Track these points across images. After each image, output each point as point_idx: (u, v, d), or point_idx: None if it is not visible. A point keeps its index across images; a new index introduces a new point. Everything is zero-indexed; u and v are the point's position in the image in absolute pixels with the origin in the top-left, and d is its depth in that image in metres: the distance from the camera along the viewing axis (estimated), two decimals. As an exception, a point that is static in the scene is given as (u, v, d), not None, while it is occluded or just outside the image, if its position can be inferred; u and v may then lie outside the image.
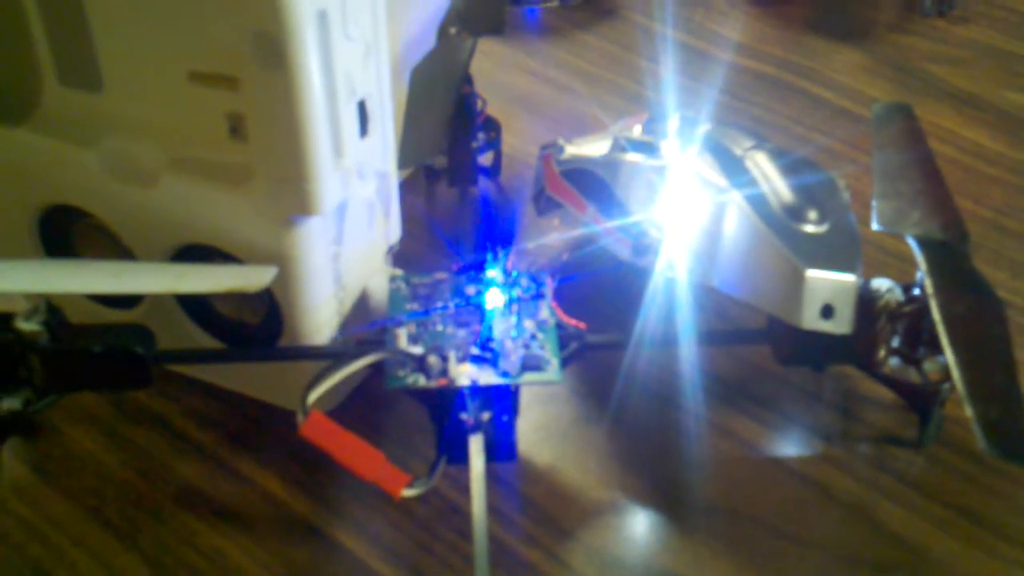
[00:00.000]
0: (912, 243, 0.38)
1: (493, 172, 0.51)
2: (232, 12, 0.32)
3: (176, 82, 0.36)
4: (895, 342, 0.39)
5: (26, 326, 0.36)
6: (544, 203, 0.46)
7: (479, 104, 0.49)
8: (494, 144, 0.50)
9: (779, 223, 0.37)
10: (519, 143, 0.54)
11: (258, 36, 0.32)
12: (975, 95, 0.60)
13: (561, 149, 0.45)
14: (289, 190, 0.35)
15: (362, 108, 0.37)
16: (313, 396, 0.35)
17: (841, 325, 0.36)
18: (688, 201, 0.38)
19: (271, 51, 0.32)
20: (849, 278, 0.36)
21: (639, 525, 0.38)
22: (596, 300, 0.41)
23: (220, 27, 0.33)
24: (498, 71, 0.61)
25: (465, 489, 0.38)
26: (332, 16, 0.33)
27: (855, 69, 0.62)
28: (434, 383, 0.36)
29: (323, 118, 0.35)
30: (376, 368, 0.37)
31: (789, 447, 0.41)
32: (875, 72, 0.62)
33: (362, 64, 0.36)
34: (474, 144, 0.48)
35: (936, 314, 0.35)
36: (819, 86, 0.61)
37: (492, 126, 0.50)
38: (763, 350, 0.40)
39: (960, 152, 0.55)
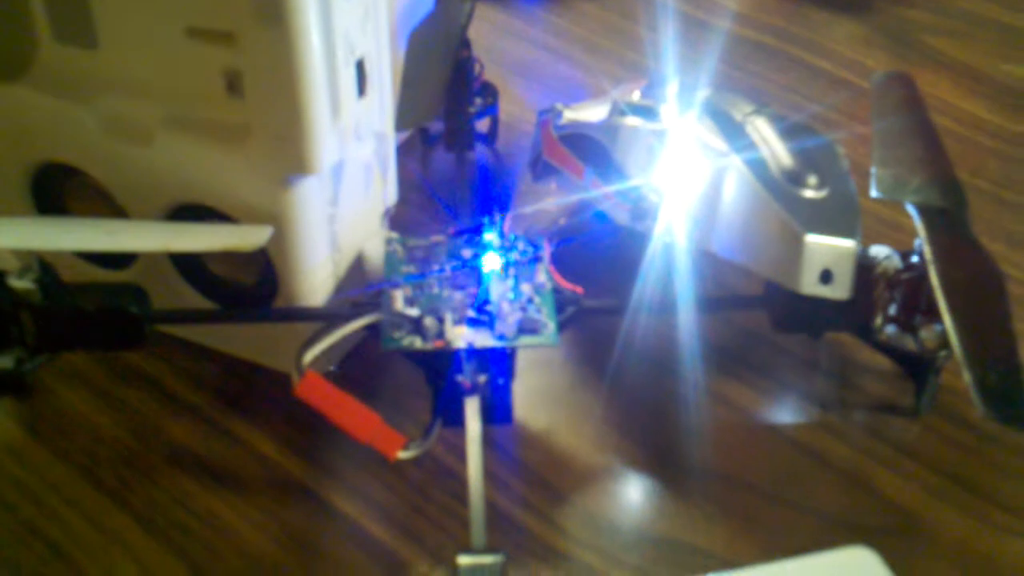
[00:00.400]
0: (911, 210, 0.38)
1: (490, 138, 0.51)
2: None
3: (173, 38, 0.35)
4: (892, 309, 0.38)
5: (18, 284, 0.36)
6: (541, 168, 0.46)
7: (477, 68, 0.48)
8: (491, 110, 0.50)
9: (779, 188, 0.36)
10: (516, 109, 0.54)
11: (257, -8, 0.32)
12: (973, 67, 0.60)
13: (559, 114, 0.45)
14: (286, 148, 0.35)
15: (360, 68, 0.36)
16: (308, 356, 0.35)
17: (840, 291, 0.36)
18: (687, 165, 0.38)
19: (270, 7, 0.32)
20: (849, 243, 0.36)
21: (634, 490, 0.38)
22: (594, 265, 0.41)
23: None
24: (496, 38, 0.61)
25: (459, 452, 0.38)
26: (331, -27, 0.33)
27: (853, 40, 0.62)
28: (430, 345, 0.36)
29: (321, 76, 0.34)
30: (372, 330, 0.37)
31: (785, 414, 0.41)
32: (873, 43, 0.62)
33: (361, 24, 0.36)
34: (471, 108, 0.48)
35: (935, 280, 0.35)
36: (818, 56, 0.60)
37: (489, 91, 0.50)
38: (759, 317, 0.40)
39: (957, 124, 0.55)
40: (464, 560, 0.32)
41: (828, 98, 0.57)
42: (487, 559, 0.32)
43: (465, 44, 0.47)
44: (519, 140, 0.52)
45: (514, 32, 0.62)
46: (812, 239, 0.35)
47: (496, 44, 0.60)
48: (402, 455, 0.35)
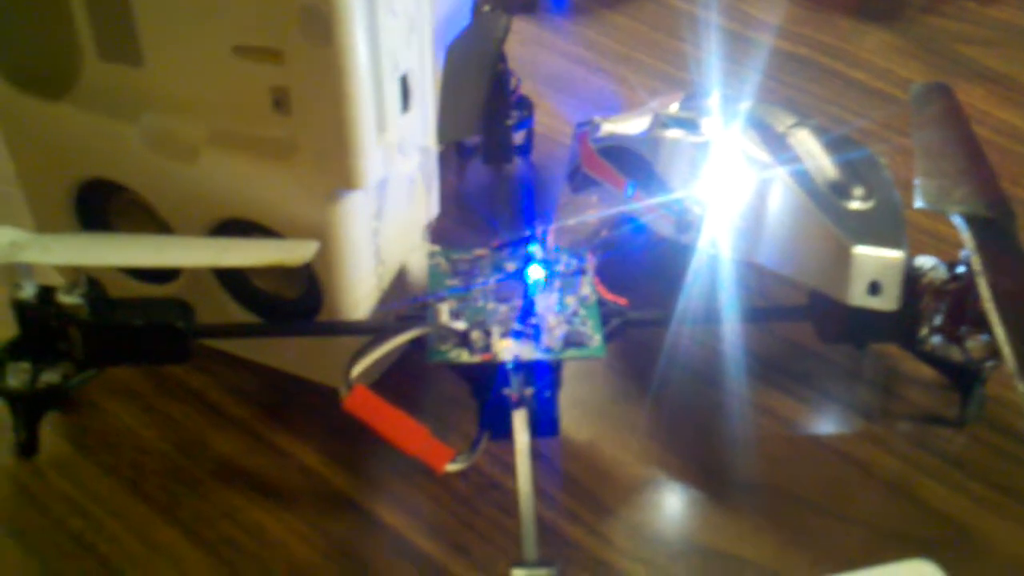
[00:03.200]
0: (958, 221, 0.37)
1: (525, 150, 0.51)
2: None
3: (220, 56, 0.36)
4: (937, 320, 0.38)
5: (67, 299, 0.36)
6: (580, 181, 0.46)
7: (513, 82, 0.48)
8: (527, 122, 0.50)
9: (825, 199, 0.36)
10: (550, 122, 0.54)
11: (306, 11, 0.32)
12: (1007, 76, 0.59)
13: (597, 127, 0.45)
14: (332, 164, 0.35)
15: (404, 83, 0.37)
16: (357, 369, 0.35)
17: (888, 302, 0.36)
18: (732, 177, 0.38)
19: (319, 26, 0.32)
20: (896, 254, 0.35)
21: (680, 502, 0.38)
22: (637, 277, 0.41)
23: (266, 1, 0.33)
24: (527, 50, 0.61)
25: (503, 464, 0.38)
26: (379, -10, 0.33)
27: (887, 50, 0.62)
28: (477, 358, 0.36)
29: (368, 92, 0.34)
30: (416, 343, 0.37)
31: (830, 425, 0.41)
32: (906, 53, 0.62)
33: (405, 40, 0.36)
34: (508, 122, 0.48)
35: (984, 291, 0.35)
36: (851, 67, 0.60)
37: (525, 104, 0.50)
38: (801, 328, 0.40)
39: (995, 133, 0.55)
40: (518, 573, 0.32)
41: (863, 108, 0.57)
42: (541, 572, 0.32)
43: (501, 58, 0.47)
44: (554, 151, 0.52)
45: (546, 44, 0.62)
46: (860, 250, 0.35)
47: (528, 56, 0.60)
48: (450, 468, 0.35)
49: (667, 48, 0.62)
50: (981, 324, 0.39)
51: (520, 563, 0.32)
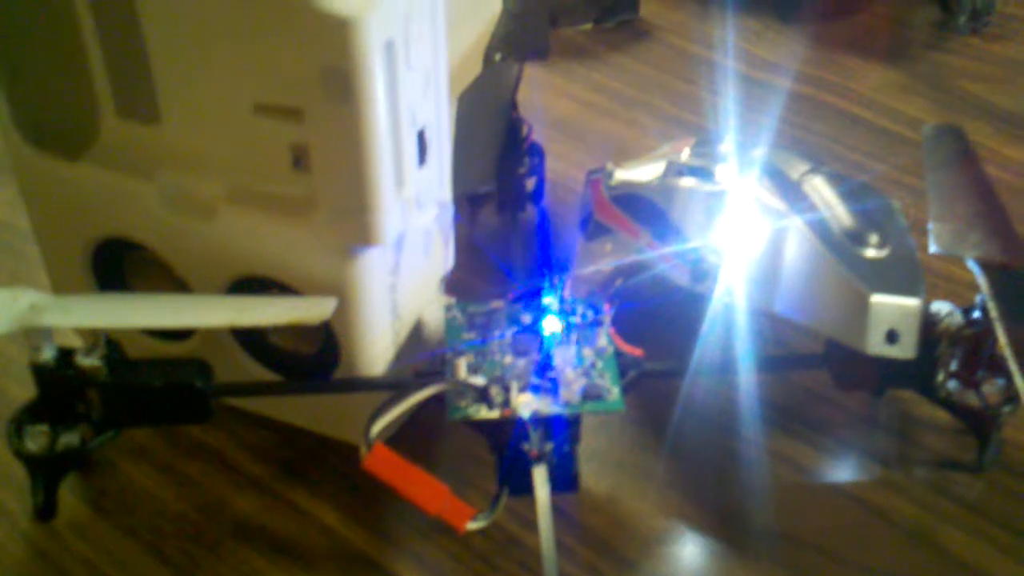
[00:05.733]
0: (973, 266, 0.38)
1: (537, 197, 0.51)
2: (300, 46, 0.32)
3: (239, 114, 0.36)
4: (953, 365, 0.38)
5: (87, 362, 0.36)
6: (593, 229, 0.46)
7: (524, 129, 0.48)
8: (538, 170, 0.50)
9: (841, 248, 0.37)
10: (560, 167, 0.54)
11: (326, 70, 0.32)
12: (1014, 113, 0.59)
13: (610, 174, 0.45)
14: (351, 221, 0.35)
15: (421, 137, 0.37)
16: (377, 428, 0.35)
17: (906, 350, 0.36)
18: (748, 226, 0.38)
19: (339, 85, 0.32)
20: (914, 302, 0.36)
21: (700, 553, 0.38)
22: (653, 327, 0.40)
23: (287, 61, 0.33)
24: (534, 94, 0.61)
25: (522, 519, 0.38)
26: (397, 47, 0.33)
27: (891, 87, 0.62)
28: (497, 413, 0.36)
29: (387, 149, 0.34)
30: (434, 399, 0.37)
31: (847, 472, 0.41)
32: (911, 90, 0.62)
33: (422, 93, 0.36)
34: (521, 170, 0.48)
35: (1002, 338, 0.35)
36: (855, 105, 0.60)
37: (536, 151, 0.50)
38: (816, 375, 0.40)
39: (1003, 171, 0.55)
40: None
41: (870, 147, 0.57)
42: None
43: (513, 105, 0.47)
44: (565, 197, 0.52)
45: (552, 87, 0.62)
46: (878, 299, 0.35)
47: (534, 100, 0.60)
48: (471, 526, 0.35)
49: (672, 89, 0.62)
50: (997, 369, 0.39)
51: (546, 622, 0.32)
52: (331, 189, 0.35)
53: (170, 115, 0.37)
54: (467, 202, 0.51)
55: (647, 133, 0.58)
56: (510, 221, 0.49)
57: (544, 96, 0.61)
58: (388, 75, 0.33)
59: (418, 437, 0.41)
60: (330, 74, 0.32)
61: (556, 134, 0.57)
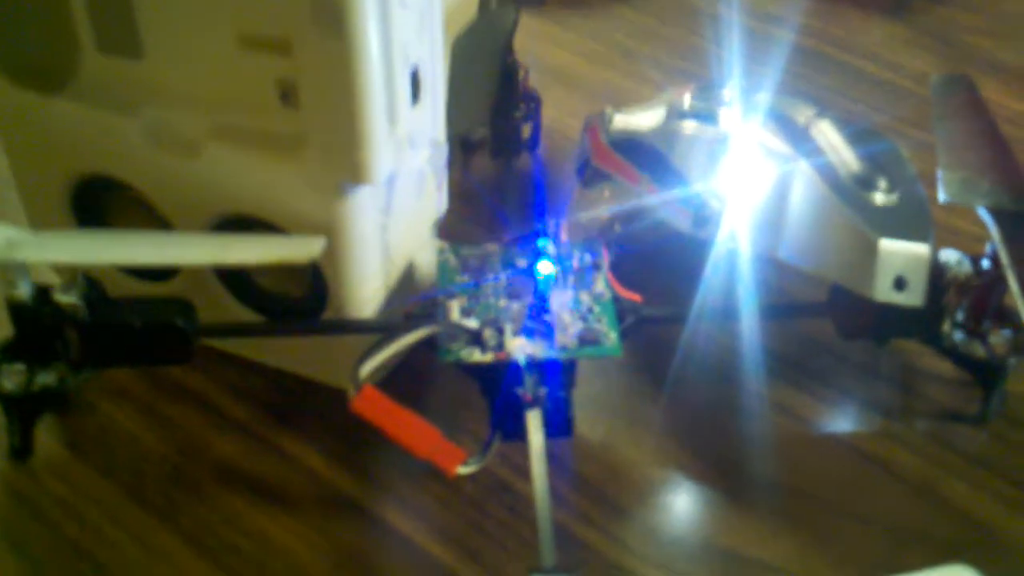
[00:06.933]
0: (984, 214, 0.37)
1: (532, 144, 0.50)
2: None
3: (224, 47, 0.34)
4: (959, 315, 0.38)
5: (64, 299, 0.35)
6: (590, 175, 0.45)
7: (521, 74, 0.47)
8: (534, 116, 0.49)
9: (849, 192, 0.35)
10: (556, 115, 0.53)
11: (317, 2, 0.31)
12: (1020, 67, 0.58)
13: (609, 119, 0.43)
14: (341, 158, 0.34)
15: (414, 76, 0.35)
16: (366, 369, 0.34)
17: (913, 297, 0.35)
18: (752, 171, 0.37)
19: (331, 17, 0.31)
20: (923, 248, 0.35)
21: (697, 503, 0.37)
22: (652, 273, 0.39)
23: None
24: (532, 43, 0.60)
25: (513, 465, 0.37)
26: (391, -17, 0.32)
27: (894, 41, 0.61)
28: (490, 357, 0.35)
29: (379, 85, 0.33)
30: (425, 342, 0.36)
31: (849, 423, 0.40)
32: (915, 44, 0.61)
33: (416, 32, 0.35)
34: (517, 115, 0.47)
35: (1014, 284, 0.34)
36: (859, 58, 0.59)
37: (532, 98, 0.49)
38: (818, 324, 0.39)
39: (1012, 125, 0.54)
40: (537, 580, 0.31)
41: (875, 101, 0.56)
42: (560, 579, 0.31)
43: (509, 50, 0.46)
44: (561, 145, 0.51)
45: (549, 37, 0.61)
46: (886, 244, 0.34)
47: (531, 49, 0.59)
48: (462, 470, 0.34)
49: (671, 40, 0.61)
50: (1004, 319, 0.38)
51: (538, 570, 0.31)
52: (321, 125, 0.34)
53: (153, 49, 0.36)
54: (460, 148, 0.49)
55: (647, 83, 0.57)
56: (504, 167, 0.48)
57: (541, 45, 0.60)
58: (380, 9, 0.32)
59: (408, 383, 0.39)
60: (320, 5, 0.31)
61: (553, 82, 0.56)
